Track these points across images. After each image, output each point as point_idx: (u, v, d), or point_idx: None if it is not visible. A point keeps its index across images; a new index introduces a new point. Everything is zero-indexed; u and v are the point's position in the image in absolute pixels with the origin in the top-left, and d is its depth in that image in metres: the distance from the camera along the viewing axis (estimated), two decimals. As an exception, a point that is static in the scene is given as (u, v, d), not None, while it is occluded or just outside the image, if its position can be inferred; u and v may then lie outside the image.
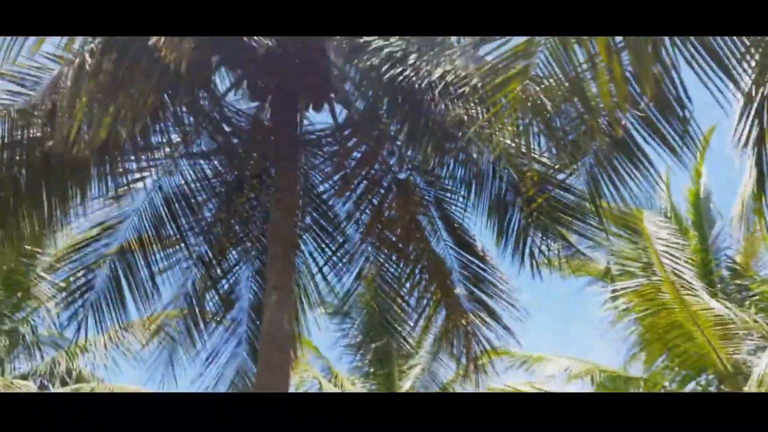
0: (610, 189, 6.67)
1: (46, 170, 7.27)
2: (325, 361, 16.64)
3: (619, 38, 4.81)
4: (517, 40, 5.22)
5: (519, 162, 7.51)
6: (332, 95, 8.57)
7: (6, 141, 7.11)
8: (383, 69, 7.16)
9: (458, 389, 9.27)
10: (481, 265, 8.68)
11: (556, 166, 6.89)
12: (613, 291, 11.76)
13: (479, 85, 6.23)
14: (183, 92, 8.10)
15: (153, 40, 6.37)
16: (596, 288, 12.78)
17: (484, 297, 8.69)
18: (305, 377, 16.02)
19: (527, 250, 8.26)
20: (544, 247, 8.21)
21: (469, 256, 8.66)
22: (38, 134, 7.07)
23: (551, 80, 5.33)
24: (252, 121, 8.84)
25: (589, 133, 5.74)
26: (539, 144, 6.80)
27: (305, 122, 8.96)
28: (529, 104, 5.52)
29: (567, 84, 5.23)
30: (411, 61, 7.09)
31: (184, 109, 8.28)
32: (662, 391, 11.99)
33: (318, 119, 8.92)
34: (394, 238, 8.89)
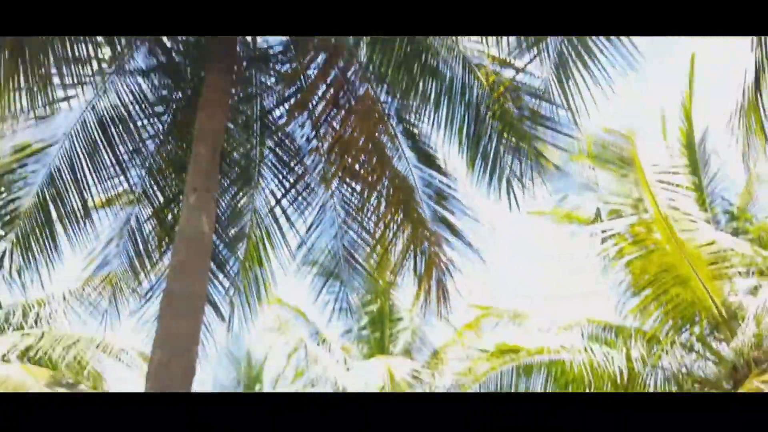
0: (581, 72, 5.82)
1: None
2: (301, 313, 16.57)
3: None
4: None
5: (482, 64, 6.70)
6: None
7: None
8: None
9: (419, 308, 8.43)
10: (444, 180, 7.92)
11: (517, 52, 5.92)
12: (603, 232, 10.79)
13: None
14: None
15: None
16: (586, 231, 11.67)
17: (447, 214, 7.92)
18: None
19: (502, 175, 7.46)
20: (522, 176, 7.41)
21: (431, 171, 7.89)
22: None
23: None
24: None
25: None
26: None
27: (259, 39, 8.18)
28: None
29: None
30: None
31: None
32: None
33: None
34: (356, 165, 8.06)
